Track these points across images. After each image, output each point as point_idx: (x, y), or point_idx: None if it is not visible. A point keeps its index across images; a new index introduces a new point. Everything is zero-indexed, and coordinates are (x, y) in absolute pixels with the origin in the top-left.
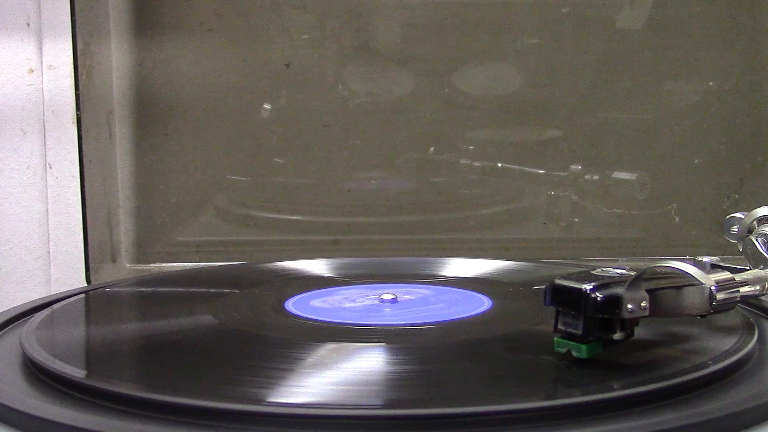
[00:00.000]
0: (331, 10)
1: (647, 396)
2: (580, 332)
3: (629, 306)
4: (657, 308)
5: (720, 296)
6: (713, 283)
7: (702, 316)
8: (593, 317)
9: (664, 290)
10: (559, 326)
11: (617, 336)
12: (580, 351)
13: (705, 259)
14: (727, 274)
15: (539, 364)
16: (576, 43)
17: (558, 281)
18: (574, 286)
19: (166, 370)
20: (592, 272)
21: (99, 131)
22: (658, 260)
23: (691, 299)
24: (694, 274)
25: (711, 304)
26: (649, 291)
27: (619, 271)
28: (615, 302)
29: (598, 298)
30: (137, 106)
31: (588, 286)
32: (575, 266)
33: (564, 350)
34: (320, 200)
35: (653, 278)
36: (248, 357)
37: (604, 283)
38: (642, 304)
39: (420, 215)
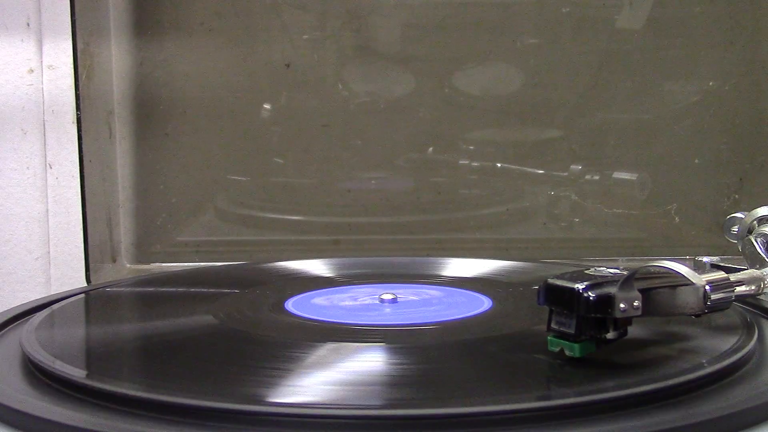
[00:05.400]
0: (331, 10)
1: (644, 396)
2: (572, 331)
3: (622, 305)
4: (650, 308)
5: (715, 296)
6: (705, 282)
7: (697, 315)
8: (586, 316)
9: (657, 290)
10: (553, 325)
11: (610, 335)
12: (573, 350)
13: (705, 259)
14: (721, 274)
15: (536, 363)
16: (576, 43)
17: (551, 281)
18: (567, 285)
19: (166, 370)
20: (586, 272)
21: (99, 131)
22: (658, 260)
23: (685, 299)
24: (685, 274)
25: (706, 303)
26: (642, 290)
27: (612, 270)
28: (607, 302)
29: (590, 298)
30: (137, 106)
31: (580, 286)
32: (575, 266)
33: (557, 349)
34: (320, 200)
35: (647, 278)
36: (248, 357)
37: (596, 283)
38: (635, 304)
39: (420, 215)
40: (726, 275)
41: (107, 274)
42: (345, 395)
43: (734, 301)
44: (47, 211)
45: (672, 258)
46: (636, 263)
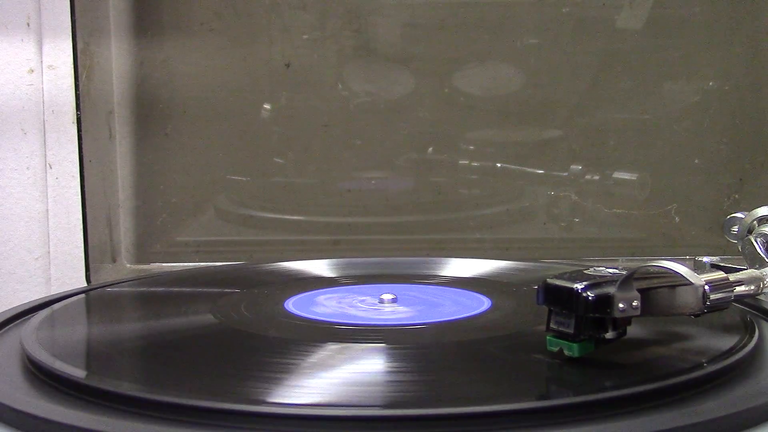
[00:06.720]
0: (331, 10)
1: (643, 396)
2: (572, 331)
3: (620, 305)
4: (649, 307)
5: (714, 296)
6: (704, 282)
7: (696, 315)
8: (585, 316)
9: (656, 290)
10: (552, 325)
11: (609, 335)
12: (572, 350)
13: (705, 259)
14: (721, 274)
15: (536, 363)
16: (576, 43)
17: (550, 280)
18: (566, 285)
19: (166, 370)
20: (585, 272)
21: (99, 131)
22: (657, 260)
23: (684, 299)
24: (684, 274)
25: (705, 303)
26: (641, 290)
27: (612, 270)
28: (606, 301)
29: (589, 298)
30: (137, 106)
31: (579, 286)
32: (575, 266)
33: (556, 349)
34: (320, 200)
35: (646, 278)
36: (248, 357)
37: (595, 283)
38: (633, 304)
39: (420, 215)
40: (725, 275)
41: (107, 274)
42: (345, 395)
43: (734, 301)
44: (47, 211)
45: (672, 258)
46: (636, 263)
